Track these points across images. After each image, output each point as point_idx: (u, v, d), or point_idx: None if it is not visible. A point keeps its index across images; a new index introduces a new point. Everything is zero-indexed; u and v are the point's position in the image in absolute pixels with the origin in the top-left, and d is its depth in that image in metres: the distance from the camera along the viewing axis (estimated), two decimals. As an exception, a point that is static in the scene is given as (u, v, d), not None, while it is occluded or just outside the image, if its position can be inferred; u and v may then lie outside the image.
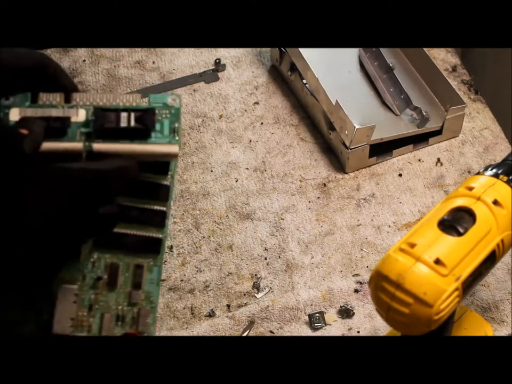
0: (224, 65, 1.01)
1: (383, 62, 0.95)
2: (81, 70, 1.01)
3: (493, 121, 0.95)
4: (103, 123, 0.53)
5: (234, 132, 0.94)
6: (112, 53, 1.03)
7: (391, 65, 0.95)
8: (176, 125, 0.55)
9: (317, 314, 0.78)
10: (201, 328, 0.77)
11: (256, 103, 0.97)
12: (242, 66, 1.01)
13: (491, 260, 0.60)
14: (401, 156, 0.91)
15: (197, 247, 0.84)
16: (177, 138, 0.55)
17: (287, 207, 0.87)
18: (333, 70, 0.95)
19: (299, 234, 0.85)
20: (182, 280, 0.81)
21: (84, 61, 1.02)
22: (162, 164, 0.55)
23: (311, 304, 0.79)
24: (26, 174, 0.49)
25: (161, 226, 0.56)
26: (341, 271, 0.82)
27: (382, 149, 0.90)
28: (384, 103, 0.93)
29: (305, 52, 0.92)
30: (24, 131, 0.50)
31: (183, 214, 0.87)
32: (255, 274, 0.82)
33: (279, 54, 0.98)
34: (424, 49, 0.94)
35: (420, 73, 0.95)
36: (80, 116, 0.54)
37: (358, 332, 0.77)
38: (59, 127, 0.53)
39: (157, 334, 0.76)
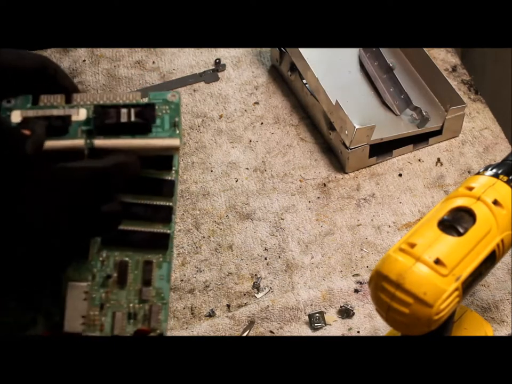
0: (224, 65, 1.01)
1: (383, 62, 0.95)
2: (81, 70, 1.00)
3: (493, 121, 0.95)
4: (104, 119, 0.53)
5: (234, 132, 0.94)
6: (112, 53, 1.03)
7: (391, 65, 0.95)
8: (177, 119, 0.55)
9: (317, 314, 0.78)
10: (201, 328, 0.77)
11: (256, 103, 0.97)
12: (242, 66, 1.01)
13: (491, 259, 0.60)
14: (401, 156, 0.91)
15: (197, 247, 0.84)
16: (178, 132, 0.55)
17: (287, 207, 0.87)
18: (333, 70, 0.95)
19: (299, 234, 0.85)
20: (182, 280, 0.81)
21: (84, 61, 1.02)
22: (166, 159, 0.55)
23: (311, 304, 0.79)
24: (26, 174, 0.49)
25: (167, 221, 0.56)
26: (341, 271, 0.82)
27: (382, 149, 0.90)
28: (384, 103, 0.93)
29: (305, 52, 0.92)
30: (26, 132, 0.50)
31: (183, 214, 0.87)
32: (255, 274, 0.82)
33: (279, 54, 0.98)
34: (424, 49, 0.94)
35: (420, 73, 0.95)
36: (81, 114, 0.54)
37: (358, 332, 0.77)
38: (60, 126, 0.53)
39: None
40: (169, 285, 0.56)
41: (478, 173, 0.64)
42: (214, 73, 1.00)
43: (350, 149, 0.87)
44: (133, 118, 0.54)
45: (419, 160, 0.91)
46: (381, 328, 0.77)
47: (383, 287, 0.57)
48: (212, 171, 0.90)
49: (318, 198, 0.88)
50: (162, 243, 0.56)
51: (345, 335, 0.77)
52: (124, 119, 0.54)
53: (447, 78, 0.91)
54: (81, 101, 0.55)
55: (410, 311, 0.56)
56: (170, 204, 0.56)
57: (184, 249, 0.84)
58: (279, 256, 0.83)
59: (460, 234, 0.58)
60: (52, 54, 1.02)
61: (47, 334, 0.54)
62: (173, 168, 0.56)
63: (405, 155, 0.92)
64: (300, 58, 0.93)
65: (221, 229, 0.85)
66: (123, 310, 0.55)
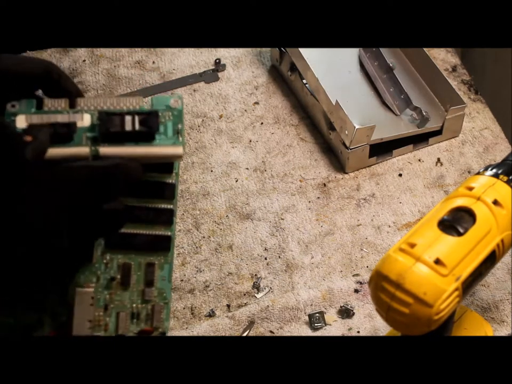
0: (224, 65, 1.01)
1: (383, 62, 0.95)
2: (81, 70, 1.00)
3: (493, 121, 0.95)
4: (109, 127, 0.54)
5: (234, 132, 0.94)
6: (112, 53, 1.03)
7: (391, 65, 0.95)
8: (180, 126, 0.56)
9: (317, 314, 0.78)
10: (201, 328, 0.77)
11: (256, 103, 0.97)
12: (242, 66, 1.01)
13: (491, 260, 0.60)
14: (401, 156, 0.91)
15: (197, 247, 0.84)
16: (180, 139, 0.55)
17: (287, 207, 0.87)
18: (333, 70, 0.95)
19: (299, 234, 0.85)
20: (182, 280, 0.81)
21: (84, 61, 1.02)
22: (167, 163, 0.56)
23: (311, 304, 0.79)
24: (26, 174, 0.49)
25: (169, 224, 0.56)
26: (341, 271, 0.82)
27: (382, 149, 0.90)
28: (384, 103, 0.93)
29: (305, 52, 0.92)
30: (28, 138, 0.51)
31: (183, 214, 0.87)
32: (255, 274, 0.82)
33: (279, 54, 0.98)
34: (424, 49, 0.94)
35: (420, 73, 0.95)
36: (85, 120, 0.55)
37: (358, 332, 0.77)
38: (65, 133, 0.54)
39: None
40: (171, 285, 0.57)
41: (478, 173, 0.64)
42: (214, 73, 1.00)
43: (350, 149, 0.87)
44: (137, 127, 0.54)
45: (419, 160, 0.91)
46: (381, 328, 0.77)
47: (383, 287, 0.57)
48: (211, 171, 0.90)
49: (318, 198, 0.88)
50: (164, 245, 0.57)
51: (345, 335, 0.77)
52: (128, 127, 0.54)
53: (447, 78, 0.91)
54: (85, 105, 0.55)
55: (410, 311, 0.56)
56: (172, 206, 0.56)
57: (184, 249, 0.84)
58: (279, 256, 0.83)
59: (459, 234, 0.58)
60: (52, 54, 1.02)
61: (54, 334, 0.55)
62: (174, 171, 0.56)
63: (405, 155, 0.92)
64: (299, 58, 0.93)
65: (221, 229, 0.85)
66: (127, 310, 0.56)
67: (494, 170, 0.63)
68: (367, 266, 0.82)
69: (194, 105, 0.97)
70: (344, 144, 0.88)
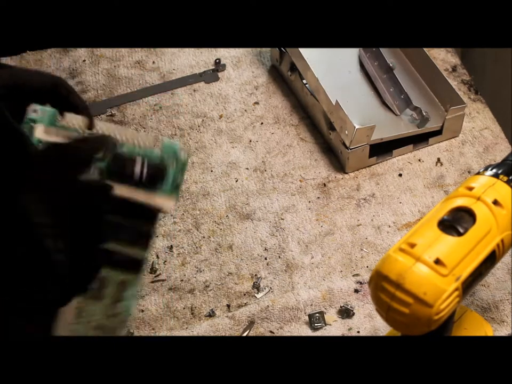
0: (224, 65, 1.01)
1: (383, 62, 0.95)
2: (81, 70, 1.01)
3: (493, 121, 0.95)
4: (119, 170, 0.56)
5: (234, 132, 0.94)
6: (112, 53, 1.03)
7: (391, 65, 0.95)
8: (179, 180, 0.57)
9: (317, 314, 0.78)
10: (201, 328, 0.77)
11: (256, 103, 0.97)
12: (242, 66, 1.01)
13: (491, 260, 0.60)
14: (401, 156, 0.91)
15: (197, 247, 0.84)
16: (175, 194, 0.57)
17: (287, 207, 0.87)
18: (333, 70, 0.95)
19: (299, 234, 0.85)
20: (182, 280, 0.81)
21: (84, 61, 1.02)
22: (152, 211, 0.57)
23: (311, 304, 0.79)
24: (26, 175, 0.49)
25: (145, 247, 0.58)
26: (341, 271, 0.82)
27: (382, 149, 0.90)
28: (384, 103, 0.93)
29: (305, 52, 0.92)
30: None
31: (183, 214, 0.87)
32: (255, 274, 0.82)
33: (279, 54, 0.98)
34: (424, 49, 0.94)
35: (420, 73, 0.95)
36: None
37: (358, 332, 0.77)
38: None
39: (157, 334, 0.76)
40: (136, 300, 0.58)
41: (478, 173, 0.64)
42: (214, 73, 1.00)
43: (350, 149, 0.87)
44: (144, 178, 0.56)
45: (419, 160, 0.91)
46: (381, 328, 0.77)
47: (383, 287, 0.57)
48: (211, 171, 0.90)
49: (318, 198, 0.88)
50: (138, 266, 0.58)
51: (345, 335, 0.77)
52: (136, 177, 0.56)
53: (447, 78, 0.91)
54: (100, 129, 0.57)
55: (410, 311, 0.56)
56: (151, 231, 0.58)
57: (184, 249, 0.84)
58: (279, 256, 0.83)
59: (459, 234, 0.58)
60: (52, 54, 1.03)
61: (32, 329, 0.55)
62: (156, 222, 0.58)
63: (405, 155, 0.92)
64: (300, 58, 0.93)
65: (221, 229, 0.85)
66: (96, 320, 0.57)
67: (494, 170, 0.63)
68: (367, 266, 0.82)
69: (194, 105, 0.97)
70: (344, 144, 0.88)
